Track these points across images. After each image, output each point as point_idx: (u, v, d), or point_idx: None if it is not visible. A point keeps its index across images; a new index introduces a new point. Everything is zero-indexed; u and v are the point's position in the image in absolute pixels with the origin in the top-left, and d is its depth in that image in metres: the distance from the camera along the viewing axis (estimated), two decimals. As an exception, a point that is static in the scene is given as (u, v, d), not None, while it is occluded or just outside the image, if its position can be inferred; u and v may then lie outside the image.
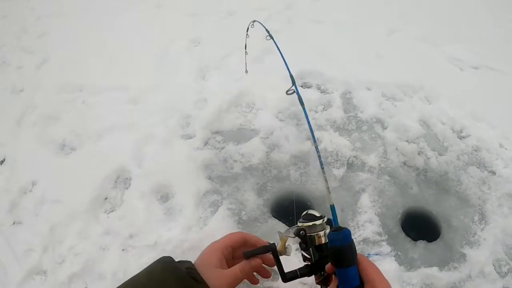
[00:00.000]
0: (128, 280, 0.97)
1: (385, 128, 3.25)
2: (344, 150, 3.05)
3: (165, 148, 3.19)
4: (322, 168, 1.61)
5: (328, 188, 1.55)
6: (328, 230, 1.28)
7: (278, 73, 3.71)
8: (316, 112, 3.40)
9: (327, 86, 3.69)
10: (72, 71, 4.93)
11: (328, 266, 1.14)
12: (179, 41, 4.87)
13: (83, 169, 3.25)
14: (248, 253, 1.26)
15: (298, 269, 1.28)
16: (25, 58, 6.14)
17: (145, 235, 2.63)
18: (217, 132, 3.33)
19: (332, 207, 1.52)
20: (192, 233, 2.61)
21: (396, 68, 3.93)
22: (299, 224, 1.29)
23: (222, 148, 3.14)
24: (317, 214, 1.32)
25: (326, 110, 3.42)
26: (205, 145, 3.22)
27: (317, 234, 1.26)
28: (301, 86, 3.69)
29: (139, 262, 2.50)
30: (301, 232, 1.25)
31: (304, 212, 1.36)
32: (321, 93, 3.63)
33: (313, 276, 1.30)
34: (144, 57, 4.70)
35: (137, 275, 0.99)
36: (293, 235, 1.27)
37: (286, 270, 1.25)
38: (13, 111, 4.49)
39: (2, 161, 3.83)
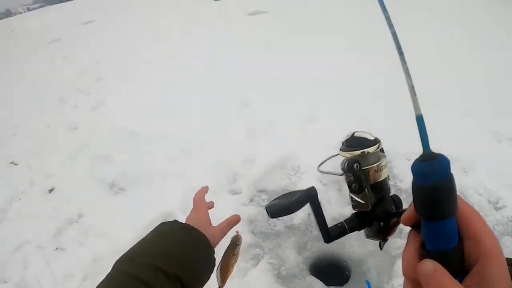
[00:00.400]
0: (138, 242, 0.96)
1: (423, 198, 3.34)
2: (383, 217, 3.16)
3: (212, 200, 3.36)
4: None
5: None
6: (384, 161, 0.83)
7: (322, 139, 3.92)
8: (357, 179, 3.54)
9: (368, 155, 3.82)
10: (126, 116, 5.26)
11: (405, 216, 0.63)
12: (231, 99, 5.14)
13: (130, 210, 3.50)
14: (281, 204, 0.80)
15: (345, 221, 0.91)
16: (81, 99, 6.57)
17: (185, 281, 2.79)
18: (262, 191, 3.55)
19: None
20: (232, 282, 2.75)
21: (435, 139, 3.98)
22: (344, 153, 0.86)
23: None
24: (370, 137, 0.87)
25: (366, 178, 3.55)
26: (251, 201, 3.45)
27: (371, 167, 0.83)
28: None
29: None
30: (355, 165, 0.79)
31: (349, 135, 0.89)
32: (362, 161, 3.76)
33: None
34: (197, 110, 4.97)
35: (147, 236, 0.98)
36: (342, 172, 0.83)
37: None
38: (66, 146, 4.82)
39: (51, 190, 4.12)
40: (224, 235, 1.14)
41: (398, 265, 2.88)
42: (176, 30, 10.13)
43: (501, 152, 3.98)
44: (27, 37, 14.68)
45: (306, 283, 2.81)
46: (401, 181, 3.57)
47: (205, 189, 1.29)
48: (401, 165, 3.73)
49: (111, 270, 0.88)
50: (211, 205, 1.29)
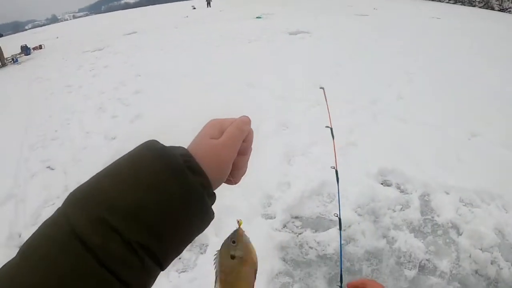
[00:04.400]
0: (108, 167, 0.67)
1: (460, 234, 3.30)
2: (418, 252, 3.15)
3: (244, 223, 3.36)
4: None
5: None
6: None
7: (361, 167, 3.88)
8: (394, 211, 3.54)
9: (407, 186, 3.83)
10: (163, 129, 5.33)
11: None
12: (268, 121, 5.17)
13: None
14: None
15: None
16: (120, 109, 6.71)
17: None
18: (296, 217, 3.54)
19: None
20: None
21: (475, 173, 3.97)
22: None
23: (300, 233, 3.34)
24: None
25: (403, 210, 3.55)
26: (284, 227, 3.43)
27: None
28: (381, 184, 3.86)
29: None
30: None
31: None
32: (400, 192, 3.78)
33: None
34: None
35: (118, 164, 0.67)
36: None
37: None
38: (103, 155, 4.92)
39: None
40: (233, 155, 0.78)
41: None
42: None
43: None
44: (72, 44, 15.14)
45: None
46: (438, 216, 3.50)
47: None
48: (439, 198, 3.66)
49: (59, 207, 0.62)
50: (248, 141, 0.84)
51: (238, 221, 0.85)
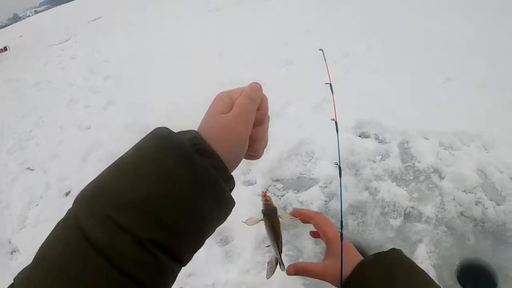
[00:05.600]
0: (115, 161, 0.62)
1: (443, 178, 3.29)
2: (402, 201, 3.13)
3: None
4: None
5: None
6: None
7: (338, 122, 3.83)
8: (374, 162, 3.50)
9: (385, 136, 3.79)
10: (137, 112, 5.25)
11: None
12: (240, 85, 5.09)
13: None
14: None
15: None
16: (92, 98, 6.60)
17: (203, 275, 2.81)
18: (277, 180, 3.50)
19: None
20: (250, 276, 2.77)
21: (453, 116, 3.95)
22: None
23: (282, 195, 3.31)
24: None
25: (383, 160, 3.52)
26: (266, 191, 3.35)
27: None
28: (359, 136, 3.81)
29: (196, 301, 2.67)
30: None
31: None
32: (378, 142, 3.74)
33: None
34: (206, 100, 4.95)
35: (124, 157, 0.63)
36: None
37: None
38: (79, 147, 4.85)
39: (67, 193, 4.15)
40: (248, 128, 0.71)
41: (418, 252, 2.84)
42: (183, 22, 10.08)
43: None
44: (37, 40, 14.79)
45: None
46: (419, 162, 3.47)
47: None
48: (419, 145, 3.63)
49: (70, 208, 0.60)
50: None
51: (263, 194, 0.93)
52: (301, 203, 3.19)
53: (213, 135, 0.66)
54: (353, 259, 0.98)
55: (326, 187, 3.30)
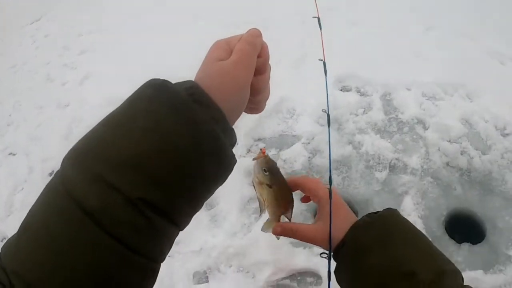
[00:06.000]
0: (107, 115, 0.58)
1: (427, 129, 3.25)
2: (386, 153, 3.08)
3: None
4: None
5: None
6: None
7: (317, 78, 3.76)
8: (357, 115, 3.43)
9: (367, 89, 3.71)
10: (115, 85, 5.14)
11: None
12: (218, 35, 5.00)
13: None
14: None
15: None
16: (68, 74, 6.47)
17: (190, 241, 2.76)
18: (259, 139, 3.43)
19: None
20: (237, 239, 2.73)
21: (435, 66, 3.87)
22: None
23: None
24: None
25: (366, 113, 3.45)
26: (248, 152, 3.33)
27: None
28: (340, 90, 3.73)
29: (184, 267, 2.65)
30: None
31: None
32: (360, 96, 3.66)
33: None
34: (184, 70, 4.85)
35: (116, 110, 0.58)
36: None
37: None
38: (60, 126, 4.75)
39: (51, 173, 4.09)
40: (249, 75, 0.66)
41: (405, 203, 2.81)
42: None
43: (506, 75, 3.78)
44: (7, 23, 14.47)
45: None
46: (402, 113, 3.42)
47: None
48: (402, 96, 3.56)
49: (58, 169, 0.56)
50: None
51: (261, 150, 0.93)
52: (284, 161, 3.13)
53: (211, 83, 0.61)
54: (346, 220, 0.94)
55: (309, 143, 3.23)
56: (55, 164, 4.13)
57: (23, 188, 4.07)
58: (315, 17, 1.26)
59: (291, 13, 5.39)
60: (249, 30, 0.71)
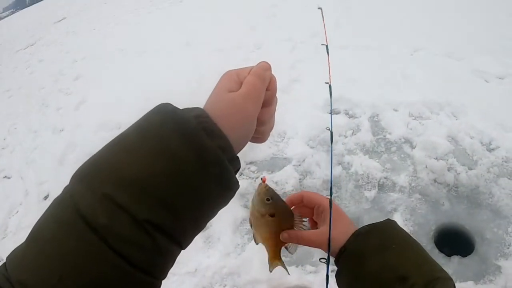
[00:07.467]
0: (116, 137, 0.59)
1: (414, 147, 3.31)
2: (375, 172, 3.14)
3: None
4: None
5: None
6: None
7: (307, 101, 3.86)
8: (346, 137, 3.51)
9: (355, 111, 3.80)
10: (109, 110, 5.19)
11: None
12: (209, 75, 5.09)
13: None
14: None
15: None
16: (63, 99, 6.51)
17: (185, 262, 2.81)
18: (251, 163, 3.50)
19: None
20: (230, 259, 2.78)
21: (422, 86, 3.97)
22: None
23: (257, 177, 3.30)
24: None
25: (355, 134, 3.53)
26: (240, 175, 3.39)
27: None
28: (328, 113, 3.80)
29: (180, 288, 2.68)
30: None
31: None
32: (349, 118, 3.75)
33: None
34: (178, 93, 4.93)
35: (126, 133, 0.60)
36: None
37: None
38: (54, 150, 4.78)
39: (46, 197, 4.10)
40: (257, 108, 0.68)
41: (395, 219, 2.77)
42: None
43: (490, 92, 3.86)
44: (2, 47, 14.49)
45: (305, 250, 2.76)
46: (390, 134, 3.50)
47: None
48: (389, 116, 3.65)
49: (67, 185, 0.57)
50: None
51: (262, 179, 0.93)
52: (276, 183, 3.19)
53: (221, 113, 0.63)
54: (348, 226, 1.01)
55: (300, 165, 3.30)
56: (50, 187, 4.16)
57: (18, 211, 4.09)
58: (324, 44, 1.31)
59: (282, 39, 5.51)
60: (259, 63, 0.72)
